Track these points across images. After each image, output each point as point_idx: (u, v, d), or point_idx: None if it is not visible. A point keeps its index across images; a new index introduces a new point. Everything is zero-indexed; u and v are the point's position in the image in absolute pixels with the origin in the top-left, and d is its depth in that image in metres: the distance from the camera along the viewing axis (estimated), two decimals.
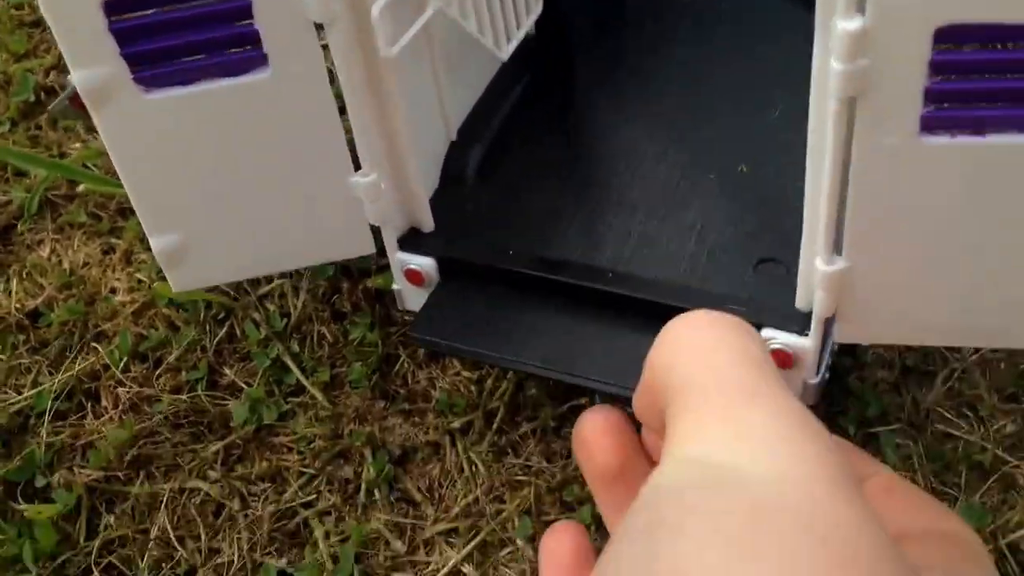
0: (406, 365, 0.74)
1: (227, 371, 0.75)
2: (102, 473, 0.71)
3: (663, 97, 0.74)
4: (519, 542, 0.64)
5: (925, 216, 0.45)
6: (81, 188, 0.90)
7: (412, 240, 0.64)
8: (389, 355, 0.74)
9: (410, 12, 0.57)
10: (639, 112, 0.73)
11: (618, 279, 0.59)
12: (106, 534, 0.68)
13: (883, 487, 0.36)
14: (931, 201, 0.45)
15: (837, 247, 0.48)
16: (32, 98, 1.00)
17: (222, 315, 0.78)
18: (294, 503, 0.68)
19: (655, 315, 0.56)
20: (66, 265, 0.85)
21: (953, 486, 0.64)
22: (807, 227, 0.50)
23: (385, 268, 0.66)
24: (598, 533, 0.59)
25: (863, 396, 0.67)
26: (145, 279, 0.82)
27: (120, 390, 0.75)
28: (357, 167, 0.57)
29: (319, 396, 0.72)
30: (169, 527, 0.68)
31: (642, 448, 0.37)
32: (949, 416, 0.66)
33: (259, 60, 0.52)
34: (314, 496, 0.68)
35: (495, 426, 0.70)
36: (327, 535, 0.66)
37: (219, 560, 0.66)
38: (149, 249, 0.58)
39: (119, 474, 0.71)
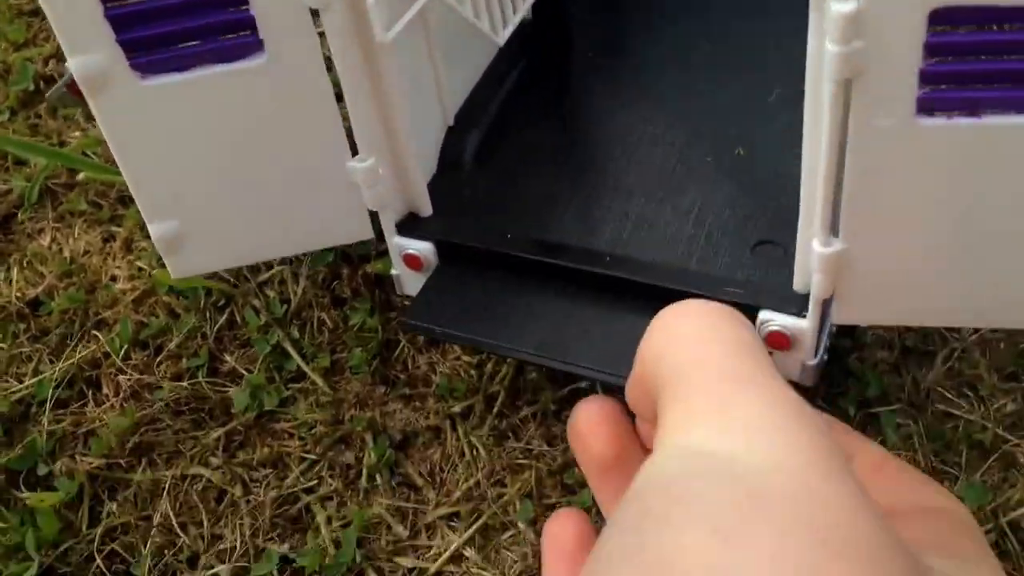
0: (406, 350, 0.74)
1: (228, 358, 0.76)
2: (104, 461, 0.71)
3: (660, 81, 0.74)
4: (521, 525, 0.65)
5: (922, 197, 0.45)
6: (81, 176, 0.90)
7: (410, 225, 0.64)
8: (389, 340, 0.74)
9: None
10: (636, 96, 0.73)
11: (616, 262, 0.59)
12: (108, 521, 0.69)
13: (872, 464, 0.36)
14: (927, 182, 0.45)
15: (834, 229, 0.48)
16: (31, 87, 1.00)
17: (222, 302, 0.78)
18: (296, 489, 0.68)
19: (653, 298, 0.57)
20: (67, 253, 0.85)
21: (954, 465, 0.64)
22: (804, 209, 0.50)
23: (385, 253, 0.66)
24: (599, 517, 0.59)
25: (863, 377, 0.67)
26: (145, 267, 0.82)
27: (121, 378, 0.75)
28: (355, 152, 0.57)
29: (320, 382, 0.73)
30: (171, 514, 0.68)
31: (637, 438, 0.37)
32: (949, 396, 0.66)
33: (255, 46, 0.52)
34: (316, 481, 0.69)
35: (496, 410, 0.70)
36: (329, 520, 0.67)
37: (222, 546, 0.67)
38: (149, 237, 0.58)
39: (121, 461, 0.71)
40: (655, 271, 0.58)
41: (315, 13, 0.51)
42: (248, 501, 0.68)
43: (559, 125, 0.73)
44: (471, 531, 0.65)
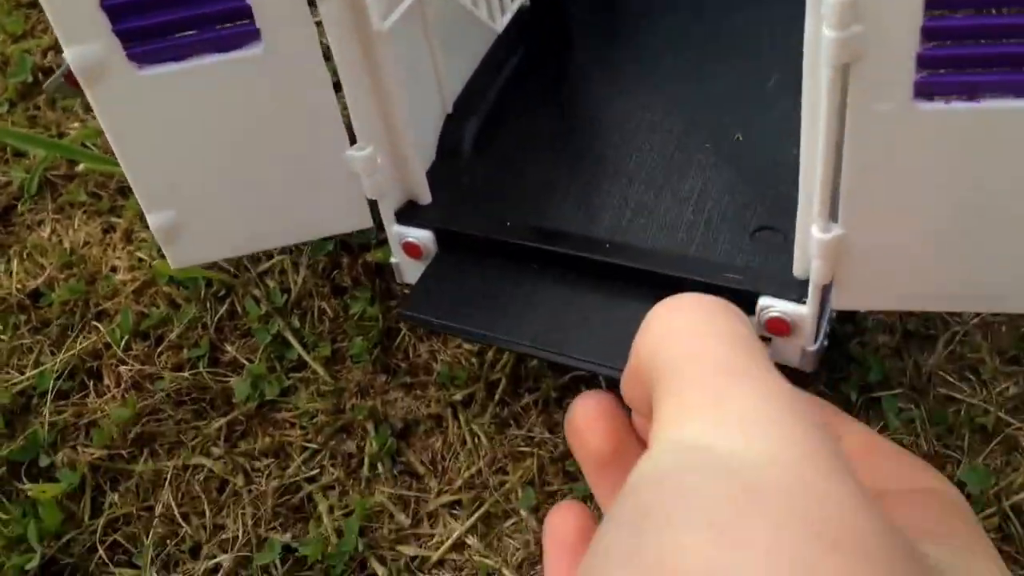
0: (407, 339, 0.74)
1: (228, 348, 0.76)
2: (105, 451, 0.71)
3: (658, 67, 0.74)
4: (523, 513, 0.65)
5: (920, 182, 0.45)
6: (80, 167, 0.90)
7: (409, 213, 0.64)
8: (390, 329, 0.74)
9: None
10: (634, 82, 0.73)
11: (615, 249, 0.59)
12: (111, 512, 0.69)
13: (861, 445, 0.36)
14: (926, 167, 0.44)
15: (833, 215, 0.48)
16: (30, 79, 1.00)
17: (223, 292, 0.78)
18: (297, 478, 0.69)
19: (652, 285, 0.57)
20: (66, 245, 0.85)
21: (956, 449, 0.64)
22: (803, 195, 0.50)
23: (385, 242, 0.66)
24: (599, 509, 0.59)
25: (864, 361, 0.67)
26: (146, 257, 0.82)
27: (122, 368, 0.75)
28: (353, 141, 0.57)
29: (321, 371, 0.73)
30: (173, 504, 0.68)
31: (634, 432, 0.37)
32: (951, 379, 0.66)
33: (252, 35, 0.51)
34: (317, 471, 0.69)
35: (497, 398, 0.70)
36: (331, 509, 0.67)
37: (224, 536, 0.67)
38: (149, 227, 0.58)
39: (123, 452, 0.71)
40: (654, 258, 0.58)
41: (312, 2, 0.51)
42: (250, 491, 0.68)
43: (558, 112, 0.72)
44: (473, 519, 0.65)
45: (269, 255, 0.79)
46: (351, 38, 0.55)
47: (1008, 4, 0.40)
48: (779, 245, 0.58)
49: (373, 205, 0.61)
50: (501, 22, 0.67)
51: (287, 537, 0.66)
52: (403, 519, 0.66)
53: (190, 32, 0.51)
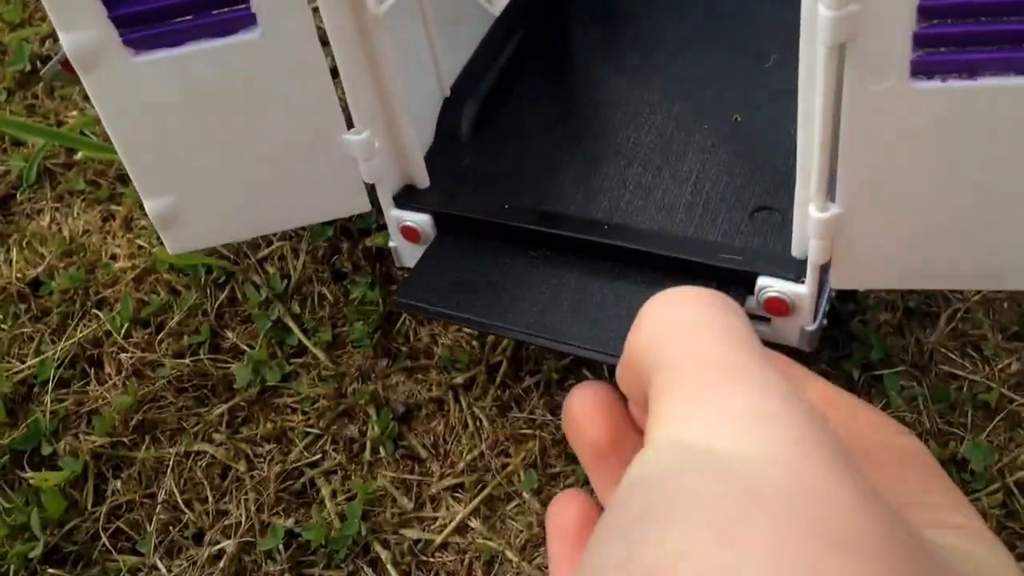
0: (408, 323, 0.74)
1: (229, 334, 0.76)
2: (108, 439, 0.71)
3: (656, 48, 0.73)
4: (525, 495, 0.65)
5: (917, 161, 0.45)
6: (79, 156, 0.90)
7: (408, 197, 0.64)
8: (390, 313, 0.74)
9: None
10: (632, 64, 0.72)
11: (614, 230, 0.59)
12: (113, 500, 0.69)
13: (824, 400, 0.36)
14: (923, 146, 0.44)
15: (831, 194, 0.47)
16: (28, 67, 1.00)
17: (222, 279, 0.78)
18: (300, 463, 0.69)
19: (651, 266, 0.57)
20: (66, 233, 0.85)
21: (959, 426, 0.64)
22: (800, 175, 0.50)
23: (385, 227, 0.66)
24: None
25: (866, 339, 0.67)
26: (145, 245, 0.82)
27: (123, 356, 0.76)
28: (350, 126, 0.57)
29: (321, 356, 0.73)
30: (176, 491, 0.68)
31: (632, 422, 0.37)
32: (953, 356, 0.66)
33: (247, 20, 0.51)
34: (319, 456, 0.69)
35: (498, 381, 0.70)
36: (334, 494, 0.67)
37: (227, 522, 0.67)
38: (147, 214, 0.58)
39: (124, 439, 0.71)
40: (653, 239, 0.58)
41: None
42: (252, 476, 0.68)
43: (556, 95, 0.72)
44: (476, 502, 0.65)
45: (269, 241, 0.79)
46: (348, 22, 0.54)
47: None
48: (777, 225, 0.58)
49: (372, 190, 0.61)
50: (498, 5, 0.67)
51: (290, 522, 0.66)
52: (406, 503, 0.66)
53: (186, 17, 0.51)
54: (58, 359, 0.76)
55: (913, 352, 0.66)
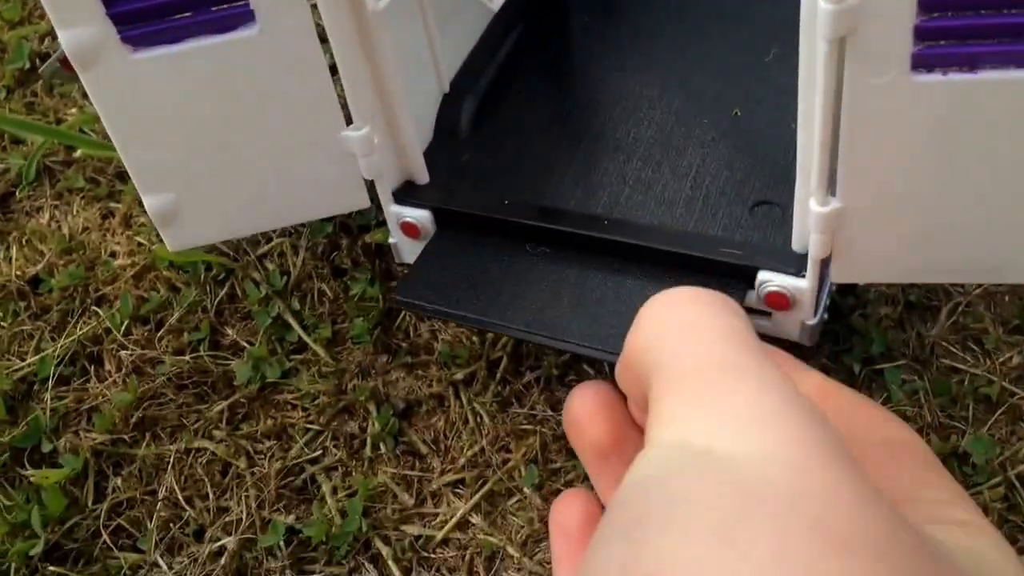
0: (408, 319, 0.74)
1: (229, 331, 0.76)
2: (108, 436, 0.71)
3: (656, 43, 0.73)
4: (526, 491, 0.65)
5: (918, 155, 0.45)
6: (78, 153, 0.90)
7: (407, 193, 0.63)
8: (390, 309, 0.74)
9: None
10: (632, 59, 0.72)
11: (614, 226, 0.59)
12: (114, 497, 0.69)
13: (817, 392, 0.35)
14: (923, 139, 0.44)
15: (831, 188, 0.47)
16: (27, 65, 1.00)
17: (222, 275, 0.78)
18: (300, 459, 0.69)
19: (651, 261, 0.57)
20: (65, 231, 0.85)
21: (960, 420, 0.64)
22: (800, 169, 0.50)
23: (384, 223, 0.66)
24: None
25: (867, 333, 0.66)
26: (145, 242, 0.82)
27: (123, 353, 0.75)
28: (349, 122, 0.57)
29: (321, 352, 0.73)
30: (177, 488, 0.68)
31: (633, 422, 0.37)
32: (954, 350, 0.66)
33: (246, 16, 0.51)
34: (320, 452, 0.69)
35: (499, 376, 0.70)
36: (334, 490, 0.67)
37: (228, 518, 0.67)
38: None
39: (125, 437, 0.71)
40: (653, 234, 0.58)
41: None
42: (253, 473, 0.68)
43: (555, 90, 0.72)
44: (477, 498, 0.65)
45: (268, 238, 0.79)
46: (346, 18, 0.54)
47: None
48: (778, 219, 0.58)
49: (371, 186, 0.61)
50: (497, 0, 0.67)
51: (291, 519, 0.66)
52: (406, 499, 0.66)
53: (184, 14, 0.51)
54: (58, 356, 0.76)
55: (914, 346, 0.66)
